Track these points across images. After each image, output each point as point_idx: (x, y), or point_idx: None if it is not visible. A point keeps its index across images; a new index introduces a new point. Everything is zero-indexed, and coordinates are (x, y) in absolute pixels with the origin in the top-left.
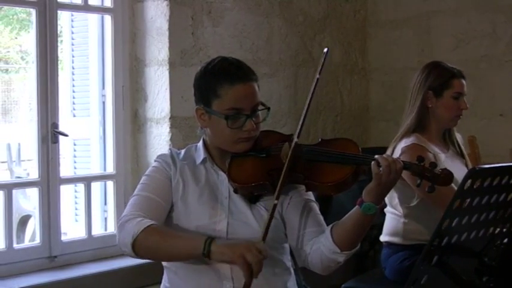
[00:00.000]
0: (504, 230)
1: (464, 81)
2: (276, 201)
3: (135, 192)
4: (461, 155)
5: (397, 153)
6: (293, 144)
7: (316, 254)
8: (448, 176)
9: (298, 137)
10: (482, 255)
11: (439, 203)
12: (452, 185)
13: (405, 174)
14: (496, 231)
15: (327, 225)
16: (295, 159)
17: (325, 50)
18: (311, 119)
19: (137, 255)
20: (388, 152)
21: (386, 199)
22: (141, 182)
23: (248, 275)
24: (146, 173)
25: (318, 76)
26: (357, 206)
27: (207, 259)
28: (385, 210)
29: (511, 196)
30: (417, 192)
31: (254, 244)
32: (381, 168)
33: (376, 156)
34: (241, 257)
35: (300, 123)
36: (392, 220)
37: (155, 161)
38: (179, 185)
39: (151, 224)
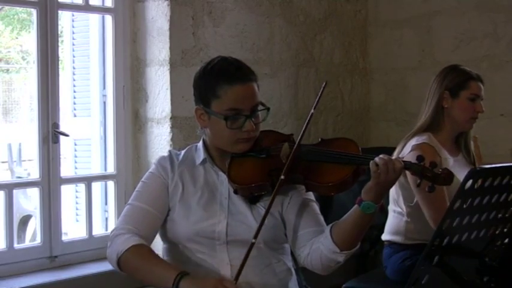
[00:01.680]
0: (505, 230)
1: (481, 85)
2: (253, 240)
3: (130, 201)
4: (472, 163)
5: (407, 150)
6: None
7: (316, 254)
8: (448, 175)
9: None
10: (483, 256)
11: (430, 210)
12: (446, 192)
13: (408, 175)
14: (497, 232)
15: (328, 224)
16: (295, 160)
17: (324, 84)
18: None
19: (123, 271)
20: (398, 148)
21: (391, 197)
22: (137, 188)
23: None
24: (143, 179)
25: (312, 111)
26: (356, 205)
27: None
28: (389, 208)
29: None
30: (416, 195)
31: (223, 283)
32: (378, 167)
33: (375, 157)
34: None
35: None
36: (395, 219)
37: (154, 164)
38: (178, 187)
39: (136, 245)
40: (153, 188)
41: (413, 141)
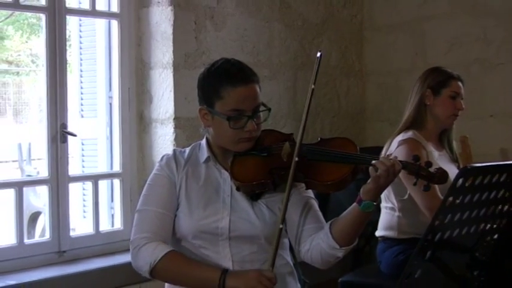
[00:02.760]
0: (494, 226)
1: (461, 84)
2: (281, 226)
3: (140, 206)
4: (455, 160)
5: (394, 146)
6: (296, 151)
7: (316, 250)
8: (443, 174)
9: (301, 139)
10: (473, 251)
11: (426, 206)
12: (437, 188)
13: (402, 173)
14: (487, 228)
15: (326, 221)
16: (298, 159)
17: (318, 54)
18: (310, 120)
19: (155, 279)
20: (386, 145)
21: (382, 194)
22: (144, 193)
23: None
24: (149, 181)
25: (312, 87)
26: (355, 204)
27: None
28: (381, 205)
29: (501, 194)
30: (409, 190)
31: (263, 274)
32: (379, 172)
33: (373, 162)
34: None
35: (302, 127)
36: (387, 215)
37: (158, 164)
38: (183, 185)
39: (167, 253)
40: (162, 190)
41: (400, 137)
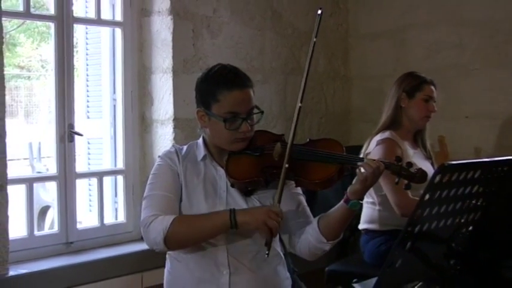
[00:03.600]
0: (469, 219)
1: (434, 88)
2: (286, 165)
3: (147, 193)
4: (429, 157)
5: (372, 145)
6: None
7: (305, 243)
8: (423, 174)
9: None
10: (450, 242)
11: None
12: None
13: (384, 173)
14: (463, 220)
15: (313, 216)
16: (288, 158)
17: (319, 11)
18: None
19: (169, 248)
20: (365, 146)
21: None
22: (149, 182)
23: (270, 236)
24: (153, 172)
25: (314, 39)
26: (343, 203)
27: (234, 230)
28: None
29: (475, 189)
30: (384, 189)
31: (271, 209)
32: (365, 174)
33: (360, 163)
34: (264, 224)
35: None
36: (369, 209)
37: (159, 157)
38: (184, 177)
39: (175, 217)
40: (166, 176)
41: (378, 137)
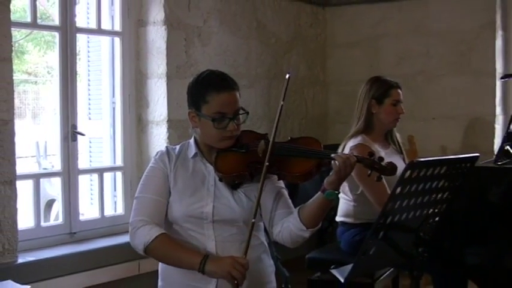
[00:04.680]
0: (436, 210)
1: (400, 91)
2: (253, 220)
3: (138, 194)
4: (400, 152)
5: (346, 151)
6: (269, 148)
7: (286, 231)
8: (393, 167)
9: (274, 137)
10: (418, 231)
11: (374, 196)
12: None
13: (357, 166)
14: (430, 212)
15: (295, 207)
16: (270, 155)
17: (287, 76)
18: (281, 122)
19: (148, 256)
20: (340, 148)
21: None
22: (141, 182)
23: (235, 286)
24: (145, 173)
25: (282, 103)
26: (320, 193)
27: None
28: (340, 195)
29: (441, 183)
30: (361, 185)
31: (237, 260)
32: (338, 164)
33: (333, 155)
34: (229, 274)
35: (274, 127)
36: (345, 204)
37: (153, 159)
38: (174, 176)
39: (159, 235)
40: (157, 179)
41: (351, 143)
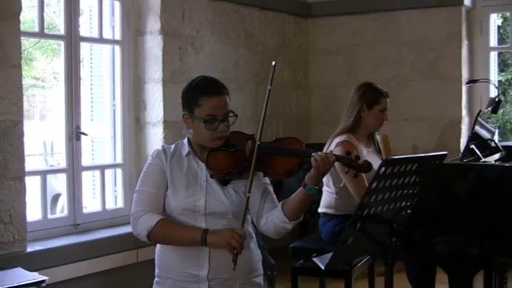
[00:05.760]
0: (408, 204)
1: (388, 100)
2: (248, 194)
3: (138, 188)
4: (379, 152)
5: (333, 146)
6: (256, 147)
7: (271, 224)
8: (368, 165)
9: (259, 140)
10: (392, 222)
11: (355, 190)
12: (364, 176)
13: (337, 164)
14: (402, 205)
15: (279, 201)
16: (257, 154)
17: (273, 63)
18: (267, 123)
19: (150, 241)
20: (327, 145)
21: (324, 180)
22: (141, 177)
23: (234, 255)
24: (144, 169)
25: (269, 87)
26: (301, 188)
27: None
28: (323, 188)
29: (413, 179)
30: (344, 179)
31: (235, 231)
32: (318, 162)
33: (313, 154)
34: (228, 244)
35: (260, 128)
36: (327, 196)
37: (151, 156)
38: (170, 172)
39: (160, 220)
40: (154, 175)
41: (337, 139)
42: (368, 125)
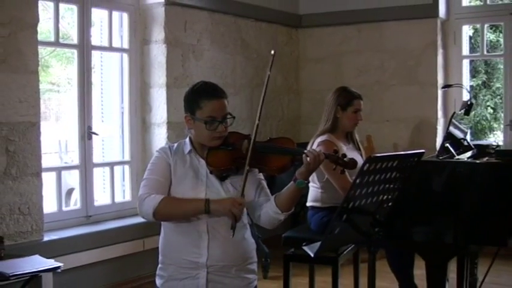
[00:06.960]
0: (389, 197)
1: (361, 102)
2: (247, 167)
3: (145, 176)
4: (358, 149)
5: (315, 145)
6: (251, 146)
7: (265, 215)
8: (354, 163)
9: (255, 138)
10: (375, 214)
11: (339, 185)
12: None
13: (324, 162)
14: (384, 198)
15: (272, 195)
16: (252, 152)
17: (272, 52)
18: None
19: (156, 220)
20: (309, 144)
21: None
22: (148, 168)
23: (234, 221)
24: (151, 161)
25: (268, 73)
26: (292, 182)
27: (205, 215)
28: (309, 184)
29: (394, 175)
30: (327, 175)
31: (236, 200)
32: (308, 159)
33: (305, 151)
34: (229, 211)
35: (259, 110)
36: (313, 191)
37: (157, 151)
38: (174, 166)
39: (164, 197)
40: (160, 166)
41: (319, 139)
42: (344, 125)
